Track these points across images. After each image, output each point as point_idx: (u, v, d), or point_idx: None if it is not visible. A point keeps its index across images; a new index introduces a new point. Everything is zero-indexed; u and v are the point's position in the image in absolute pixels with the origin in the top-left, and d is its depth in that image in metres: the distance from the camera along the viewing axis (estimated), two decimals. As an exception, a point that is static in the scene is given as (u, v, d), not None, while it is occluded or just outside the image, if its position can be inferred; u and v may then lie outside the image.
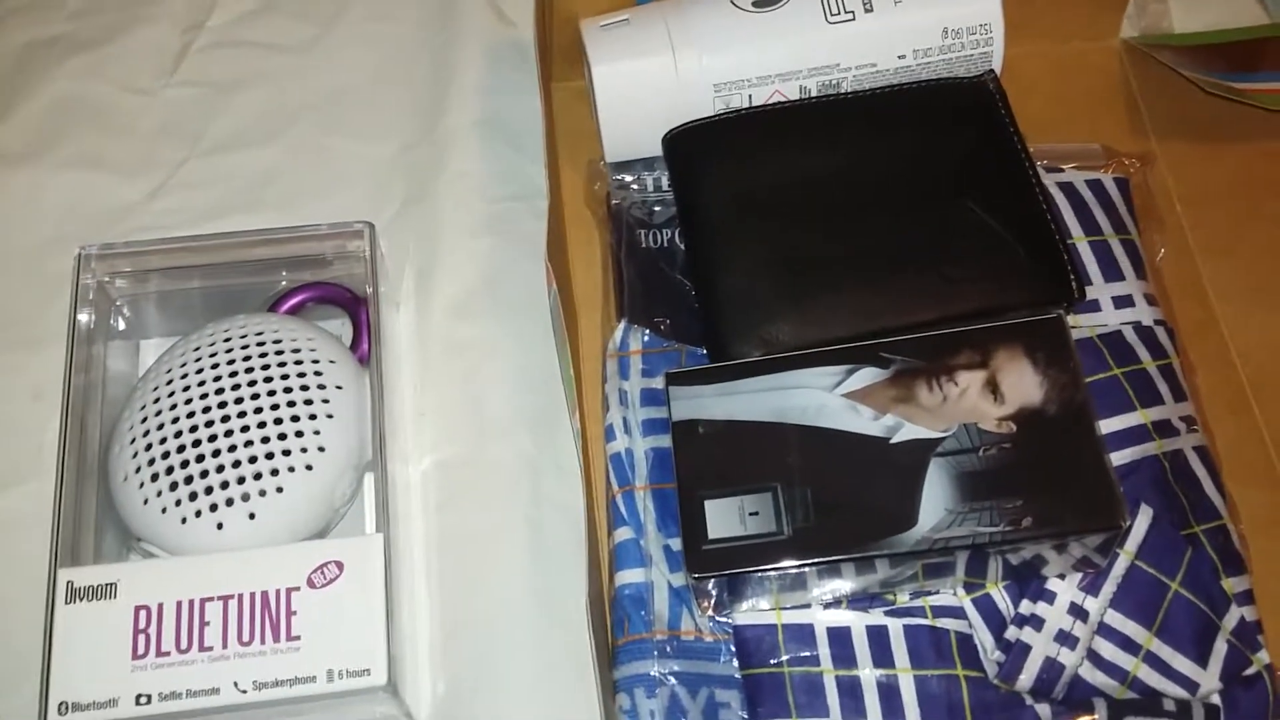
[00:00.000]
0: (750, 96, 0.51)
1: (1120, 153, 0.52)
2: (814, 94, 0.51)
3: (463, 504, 0.47)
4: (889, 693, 0.40)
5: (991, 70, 0.51)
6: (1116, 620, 0.41)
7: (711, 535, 0.40)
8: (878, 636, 0.41)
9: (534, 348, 0.50)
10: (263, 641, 0.37)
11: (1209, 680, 0.41)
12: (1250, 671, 0.41)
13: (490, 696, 0.43)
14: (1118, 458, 0.44)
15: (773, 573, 0.39)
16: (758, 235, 0.47)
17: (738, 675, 0.41)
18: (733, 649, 0.42)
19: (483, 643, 0.44)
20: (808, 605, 0.42)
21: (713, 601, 0.42)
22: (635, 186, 0.52)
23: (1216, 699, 0.40)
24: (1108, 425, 0.44)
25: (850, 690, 0.40)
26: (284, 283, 0.48)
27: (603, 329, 0.50)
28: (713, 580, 0.40)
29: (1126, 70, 0.57)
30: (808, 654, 0.41)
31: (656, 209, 0.51)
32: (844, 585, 0.41)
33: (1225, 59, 0.54)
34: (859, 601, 0.42)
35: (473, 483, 0.47)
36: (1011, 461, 0.40)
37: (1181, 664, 0.41)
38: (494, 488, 0.47)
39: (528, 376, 0.49)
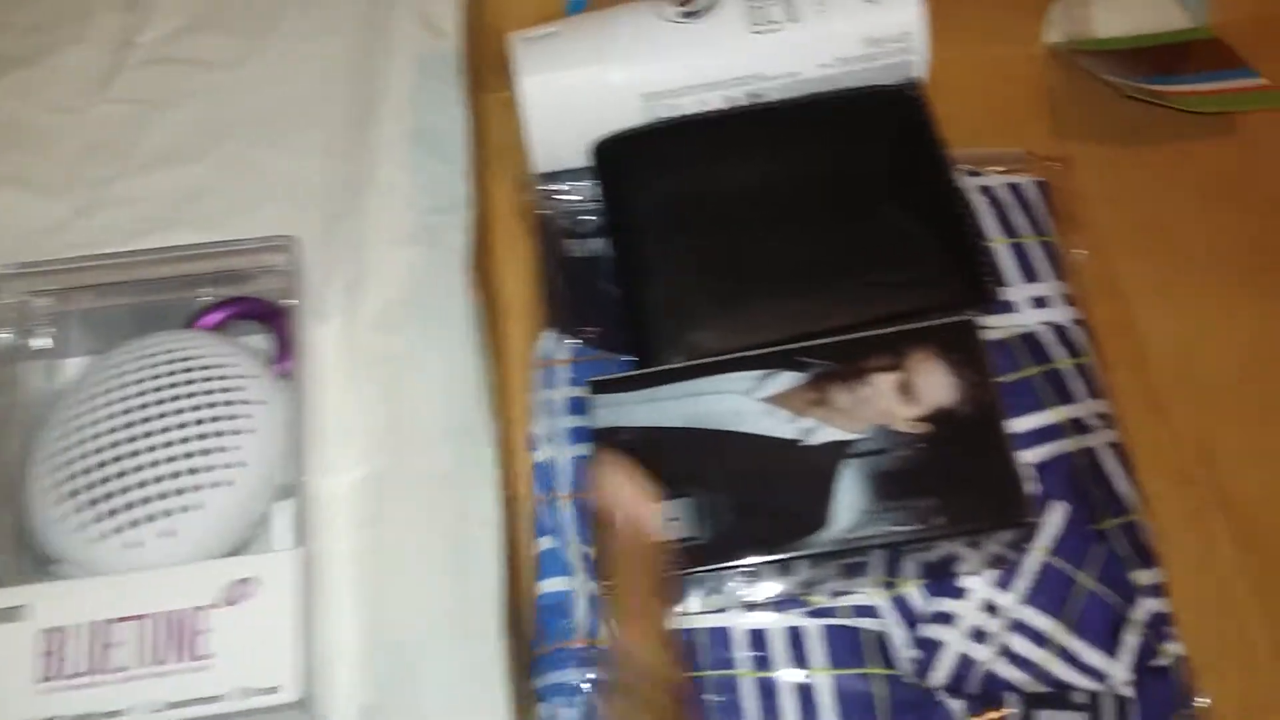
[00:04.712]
0: (678, 106, 0.51)
1: (1041, 156, 0.53)
2: (741, 103, 0.51)
3: (387, 517, 0.47)
4: (806, 693, 0.41)
5: (913, 77, 0.52)
6: (1029, 615, 0.42)
7: (630, 541, 0.40)
8: (795, 638, 0.42)
9: (460, 359, 0.50)
10: (175, 661, 0.37)
11: (1119, 671, 0.41)
12: (1160, 663, 0.42)
13: (411, 711, 0.43)
14: (1033, 455, 0.44)
15: (693, 577, 0.40)
16: (684, 242, 0.48)
17: (659, 680, 0.42)
18: (654, 654, 0.42)
19: (404, 657, 0.44)
20: (726, 609, 0.42)
21: (634, 607, 0.42)
22: (564, 197, 0.52)
23: (1127, 690, 0.41)
24: (1023, 423, 0.45)
25: (767, 692, 0.41)
26: (209, 298, 0.47)
27: (532, 338, 0.50)
28: (633, 586, 0.40)
29: (1048, 75, 0.58)
30: (725, 657, 0.41)
31: (585, 219, 0.52)
32: (764, 588, 0.42)
33: (1146, 63, 0.55)
34: (778, 604, 0.42)
35: (396, 496, 0.47)
36: (924, 461, 0.40)
37: (1092, 656, 0.41)
38: (417, 501, 0.47)
39: (453, 388, 0.49)
